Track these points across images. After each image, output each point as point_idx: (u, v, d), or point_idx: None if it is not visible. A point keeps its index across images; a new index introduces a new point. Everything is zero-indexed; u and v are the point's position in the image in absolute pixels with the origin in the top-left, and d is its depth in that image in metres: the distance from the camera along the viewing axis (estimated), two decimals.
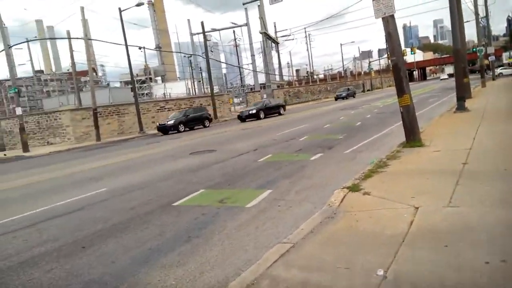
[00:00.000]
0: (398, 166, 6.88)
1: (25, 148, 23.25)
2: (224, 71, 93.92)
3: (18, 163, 18.69)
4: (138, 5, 24.54)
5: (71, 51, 25.34)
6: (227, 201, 6.11)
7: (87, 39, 23.53)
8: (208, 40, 38.51)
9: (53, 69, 72.77)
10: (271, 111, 29.26)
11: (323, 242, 4.00)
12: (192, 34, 52.19)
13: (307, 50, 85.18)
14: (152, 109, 31.34)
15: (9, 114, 30.98)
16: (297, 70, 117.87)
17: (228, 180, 7.68)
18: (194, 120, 26.84)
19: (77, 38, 24.47)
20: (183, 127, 25.45)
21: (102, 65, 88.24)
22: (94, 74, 71.02)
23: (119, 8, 24.89)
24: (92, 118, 24.74)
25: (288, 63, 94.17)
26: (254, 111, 27.60)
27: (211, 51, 40.48)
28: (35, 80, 50.66)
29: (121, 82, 70.98)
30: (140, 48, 32.94)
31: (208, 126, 27.21)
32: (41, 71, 67.73)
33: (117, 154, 16.03)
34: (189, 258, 4.05)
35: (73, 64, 27.32)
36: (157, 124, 26.55)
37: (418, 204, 4.64)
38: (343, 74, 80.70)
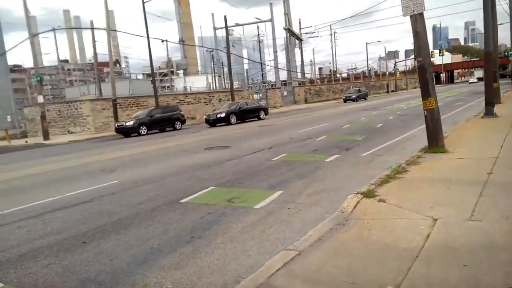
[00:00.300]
0: (418, 172, 6.51)
1: (46, 136, 23.79)
2: (246, 66, 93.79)
3: (37, 150, 19.12)
4: None
5: (94, 41, 25.76)
6: (235, 200, 5.91)
7: (109, 30, 23.78)
8: (231, 35, 38.41)
9: (78, 59, 74.50)
10: (247, 115, 25.28)
11: (330, 251, 3.75)
12: (215, 29, 52.35)
13: (331, 48, 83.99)
14: (172, 102, 31.50)
15: (33, 102, 31.78)
16: (320, 68, 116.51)
17: (239, 179, 7.49)
18: (162, 122, 23.64)
19: (100, 29, 24.86)
20: (145, 129, 22.26)
21: (125, 57, 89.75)
22: (117, 65, 72.28)
23: (142, 0, 25.02)
24: (112, 109, 25.05)
25: (311, 61, 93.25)
26: (223, 115, 23.74)
27: (232, 46, 40.38)
28: (60, 69, 52.00)
29: (143, 74, 71.91)
30: (162, 41, 33.20)
31: (180, 129, 24.09)
32: (66, 61, 69.51)
33: (133, 146, 16.12)
34: (189, 260, 3.88)
35: (95, 54, 27.74)
36: (116, 125, 23.47)
37: (436, 216, 4.31)
38: (367, 74, 79.13)
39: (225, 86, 51.97)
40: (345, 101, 44.59)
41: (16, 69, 60.81)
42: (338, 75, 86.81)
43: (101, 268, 3.85)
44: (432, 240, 3.72)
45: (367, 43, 71.23)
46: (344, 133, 13.74)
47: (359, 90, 47.82)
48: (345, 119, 19.55)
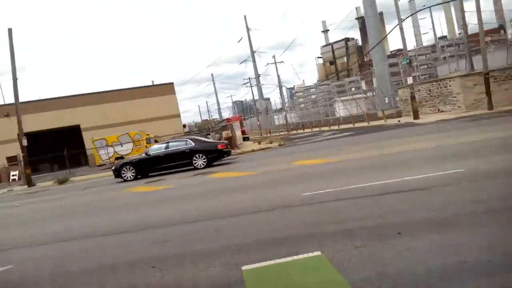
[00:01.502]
0: None
1: (415, 115, 24.79)
2: None
3: (404, 129, 20.37)
4: None
5: (463, 12, 23.17)
6: None
7: None
8: None
9: (456, 33, 71.00)
10: (157, 165, 17.09)
11: None
12: None
13: None
14: None
15: (405, 83, 33.96)
16: None
17: None
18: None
19: None
20: None
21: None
22: (502, 31, 62.23)
23: None
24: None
25: None
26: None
27: None
28: (438, 46, 51.73)
29: None
30: None
31: None
32: (444, 37, 68.20)
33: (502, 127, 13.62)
34: None
35: (464, 25, 25.17)
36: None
37: None
38: None
39: None
40: None
41: (398, 54, 67.03)
42: None
43: (401, 268, 3.62)
44: None
45: None
46: None
47: None
48: None
